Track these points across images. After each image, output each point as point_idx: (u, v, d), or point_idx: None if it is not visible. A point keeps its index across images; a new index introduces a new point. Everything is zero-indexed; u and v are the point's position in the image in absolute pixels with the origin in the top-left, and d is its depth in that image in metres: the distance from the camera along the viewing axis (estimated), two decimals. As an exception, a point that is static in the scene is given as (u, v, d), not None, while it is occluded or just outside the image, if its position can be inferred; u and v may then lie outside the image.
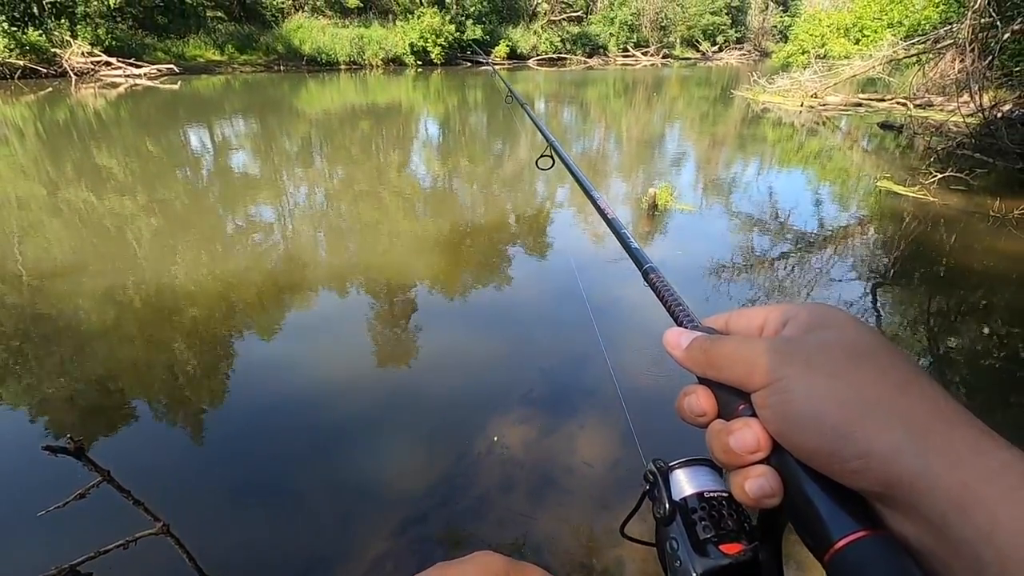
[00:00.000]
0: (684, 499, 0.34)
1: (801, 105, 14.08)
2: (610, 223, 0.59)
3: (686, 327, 0.38)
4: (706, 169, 8.46)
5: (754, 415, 0.30)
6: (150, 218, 5.36)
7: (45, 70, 15.77)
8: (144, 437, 2.51)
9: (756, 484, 0.28)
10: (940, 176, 6.62)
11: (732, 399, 0.31)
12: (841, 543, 0.25)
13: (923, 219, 5.80)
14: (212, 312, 3.61)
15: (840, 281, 4.40)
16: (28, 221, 5.16)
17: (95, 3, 16.82)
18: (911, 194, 6.49)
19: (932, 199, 6.26)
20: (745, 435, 0.29)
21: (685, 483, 0.35)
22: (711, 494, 0.33)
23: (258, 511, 2.09)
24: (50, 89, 14.24)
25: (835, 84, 13.87)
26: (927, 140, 9.22)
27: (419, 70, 23.31)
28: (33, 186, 6.34)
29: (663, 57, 32.22)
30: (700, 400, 0.33)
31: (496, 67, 25.14)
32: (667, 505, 0.33)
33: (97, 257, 4.40)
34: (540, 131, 1.04)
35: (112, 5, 17.32)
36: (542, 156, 0.99)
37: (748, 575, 0.32)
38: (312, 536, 1.95)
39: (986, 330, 3.77)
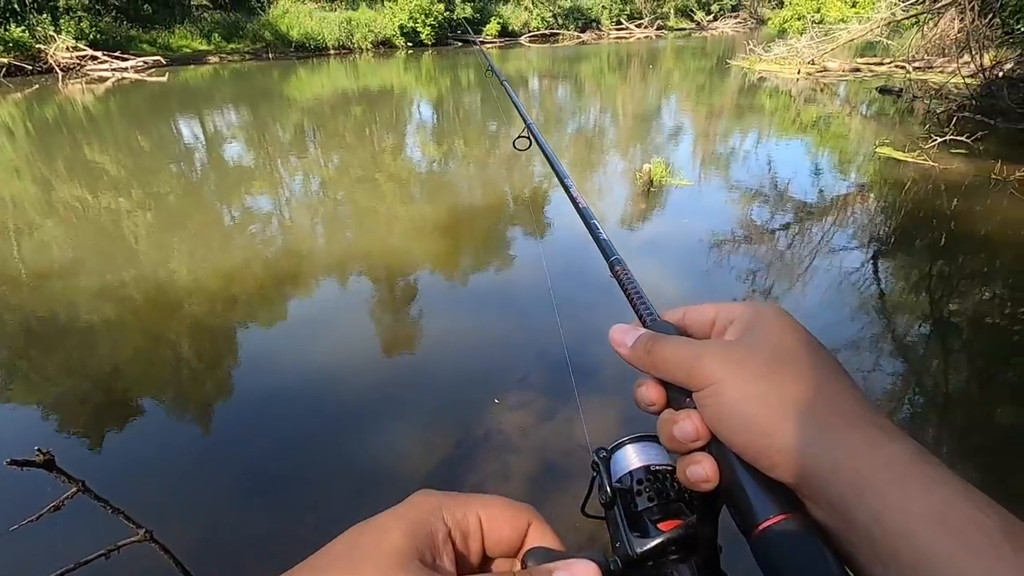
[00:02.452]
0: (631, 472, 0.36)
1: (798, 73, 13.84)
2: (580, 212, 0.59)
3: (645, 320, 0.40)
4: (703, 142, 8.35)
5: (696, 408, 0.33)
6: (146, 213, 5.32)
7: (31, 67, 15.55)
8: (138, 434, 2.51)
9: (694, 470, 0.32)
10: (940, 140, 6.52)
11: (678, 392, 0.35)
12: (764, 524, 0.29)
13: (923, 185, 5.72)
14: (210, 305, 3.59)
15: (841, 250, 4.36)
16: (23, 220, 5.12)
17: (77, -5, 16.52)
18: (911, 159, 6.40)
19: (932, 164, 6.18)
20: (686, 426, 0.32)
21: (634, 456, 0.37)
22: (657, 467, 0.36)
23: (254, 506, 2.09)
24: (37, 86, 14.06)
25: (832, 50, 13.60)
26: (927, 104, 9.07)
27: (409, 52, 22.94)
28: (27, 185, 6.29)
29: (657, 29, 31.60)
30: (650, 392, 0.36)
31: (484, 45, 24.74)
32: (608, 491, 0.36)
33: (94, 254, 4.38)
34: (518, 110, 1.01)
35: (94, -3, 17.02)
36: (520, 137, 0.96)
37: (686, 548, 0.34)
38: (309, 530, 1.95)
39: (987, 294, 3.74)
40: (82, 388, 2.82)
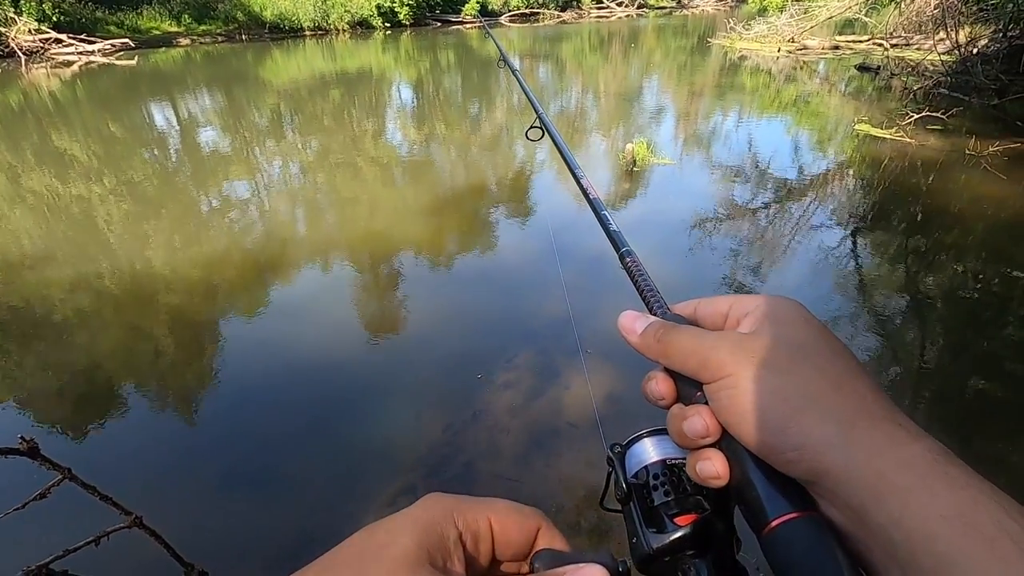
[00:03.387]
0: (647, 467, 0.36)
1: (778, 51, 13.86)
2: (592, 203, 0.58)
3: (656, 313, 0.39)
4: (685, 121, 8.36)
5: (707, 403, 0.32)
6: (120, 202, 5.19)
7: (-9, 51, 14.95)
8: (125, 425, 2.48)
9: (704, 466, 0.31)
10: (917, 116, 6.60)
11: (689, 386, 0.34)
12: (775, 522, 0.28)
13: (901, 161, 5.81)
14: (190, 296, 3.54)
15: (821, 227, 4.43)
16: (-12, 212, 4.97)
17: (37, -24, 15.81)
18: (889, 136, 6.48)
19: (909, 140, 6.26)
20: (696, 422, 0.31)
21: (650, 450, 0.37)
22: (674, 461, 0.35)
23: (244, 493, 2.09)
24: (-1, 71, 13.54)
25: (812, 27, 13.64)
26: (904, 80, 9.16)
27: (387, 33, 22.48)
28: (-9, 175, 6.08)
29: (638, 7, 31.34)
30: (660, 386, 0.35)
31: (464, 25, 24.33)
32: (624, 486, 0.36)
33: (67, 244, 4.27)
34: (531, 102, 0.99)
35: (55, -23, 16.31)
36: (532, 127, 0.95)
37: (703, 543, 0.33)
38: (300, 515, 1.96)
39: (961, 267, 3.83)
40: (63, 381, 2.78)
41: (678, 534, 0.33)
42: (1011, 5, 7.74)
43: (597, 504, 0.39)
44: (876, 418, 0.27)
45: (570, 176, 0.66)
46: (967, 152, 5.75)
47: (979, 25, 8.78)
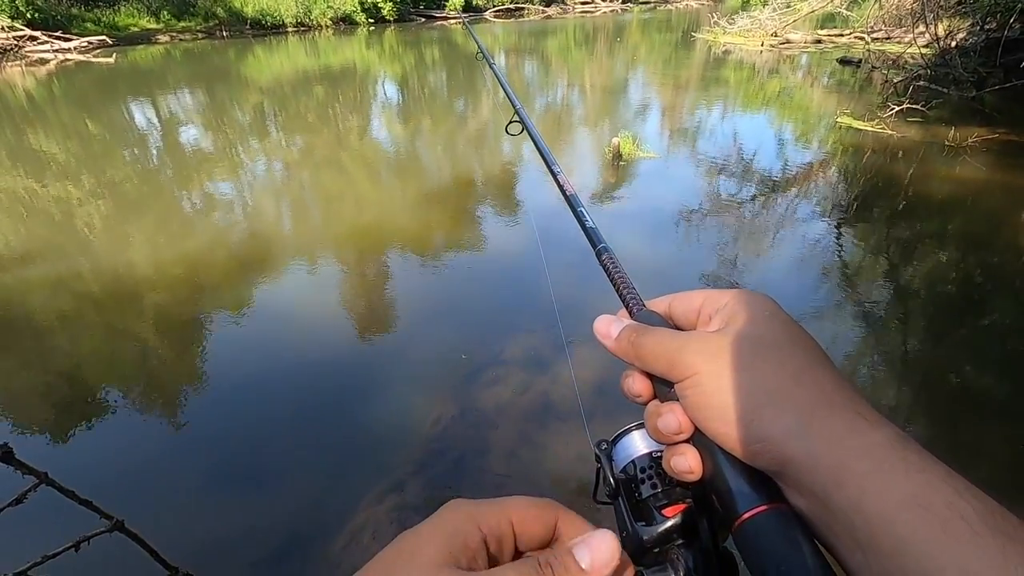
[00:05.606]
0: (633, 460, 0.37)
1: (762, 45, 13.94)
2: (568, 199, 0.58)
3: (632, 309, 0.40)
4: (670, 115, 8.38)
5: (679, 400, 0.33)
6: (100, 201, 5.10)
7: (-37, 49, 14.59)
8: (107, 427, 2.44)
9: (678, 461, 0.32)
10: (897, 109, 6.68)
11: (663, 384, 0.35)
12: (744, 516, 0.29)
13: (882, 152, 5.88)
14: (172, 294, 3.48)
15: (804, 219, 4.47)
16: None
17: (9, -28, 15.44)
18: (870, 128, 6.55)
19: (890, 132, 6.34)
20: (669, 419, 0.33)
21: (636, 444, 0.38)
22: (659, 454, 0.36)
23: (230, 493, 2.07)
24: (-28, 70, 13.21)
25: (794, 21, 13.74)
26: (885, 73, 9.25)
27: (371, 28, 22.28)
28: (-35, 176, 5.94)
29: (623, 2, 31.36)
30: (636, 384, 0.36)
31: (448, 21, 24.18)
32: (612, 482, 0.37)
33: (45, 245, 4.18)
34: (508, 96, 0.99)
35: (29, -27, 15.92)
36: (512, 122, 0.95)
37: (690, 532, 0.34)
38: (288, 514, 1.94)
39: (944, 256, 3.89)
40: (43, 383, 2.72)
41: (666, 525, 0.34)
42: (988, -2, 7.85)
43: (588, 497, 0.39)
44: (836, 407, 0.28)
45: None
46: (946, 143, 5.84)
47: (957, 18, 8.88)
